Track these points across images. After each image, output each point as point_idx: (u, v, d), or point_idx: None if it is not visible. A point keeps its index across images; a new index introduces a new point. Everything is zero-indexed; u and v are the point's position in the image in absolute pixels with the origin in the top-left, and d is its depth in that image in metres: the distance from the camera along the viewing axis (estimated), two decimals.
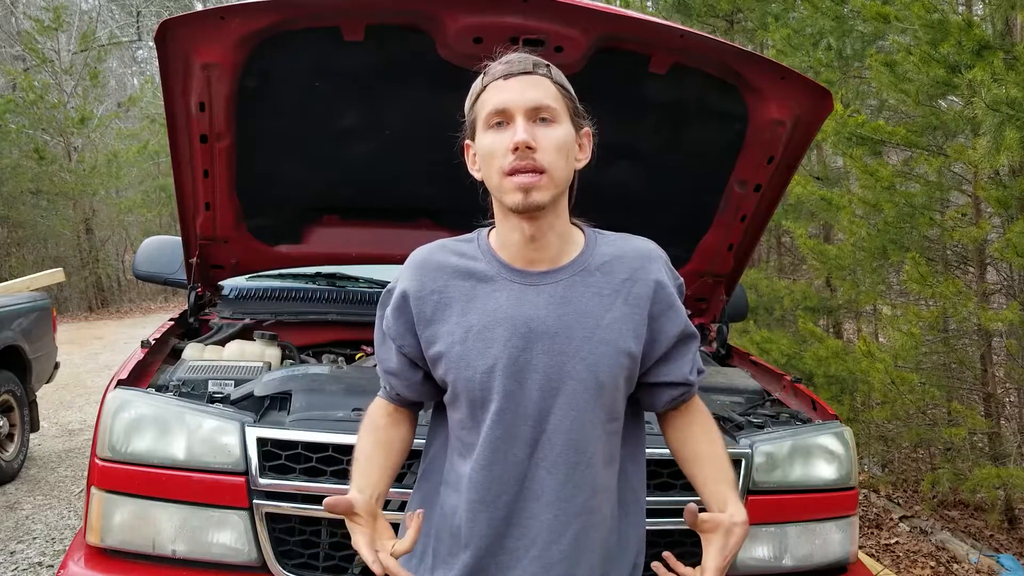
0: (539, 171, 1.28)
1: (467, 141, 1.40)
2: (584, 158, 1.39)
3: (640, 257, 1.41)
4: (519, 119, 1.29)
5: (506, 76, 1.32)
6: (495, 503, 1.34)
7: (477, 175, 1.38)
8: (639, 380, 1.43)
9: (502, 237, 1.39)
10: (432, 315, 1.38)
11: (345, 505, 1.27)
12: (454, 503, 1.39)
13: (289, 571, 1.90)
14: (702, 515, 1.32)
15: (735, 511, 1.35)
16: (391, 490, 1.87)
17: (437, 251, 1.43)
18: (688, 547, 2.02)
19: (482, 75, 1.37)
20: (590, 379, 1.33)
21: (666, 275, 1.42)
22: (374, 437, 1.45)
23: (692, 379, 1.45)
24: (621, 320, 1.35)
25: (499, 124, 1.31)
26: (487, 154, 1.32)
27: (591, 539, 1.36)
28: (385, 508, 1.87)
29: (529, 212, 1.31)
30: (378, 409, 1.50)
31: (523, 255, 1.37)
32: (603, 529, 1.39)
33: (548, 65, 1.36)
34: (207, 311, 2.96)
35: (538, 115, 1.30)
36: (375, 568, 1.25)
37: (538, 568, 1.34)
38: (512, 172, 1.28)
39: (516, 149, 1.27)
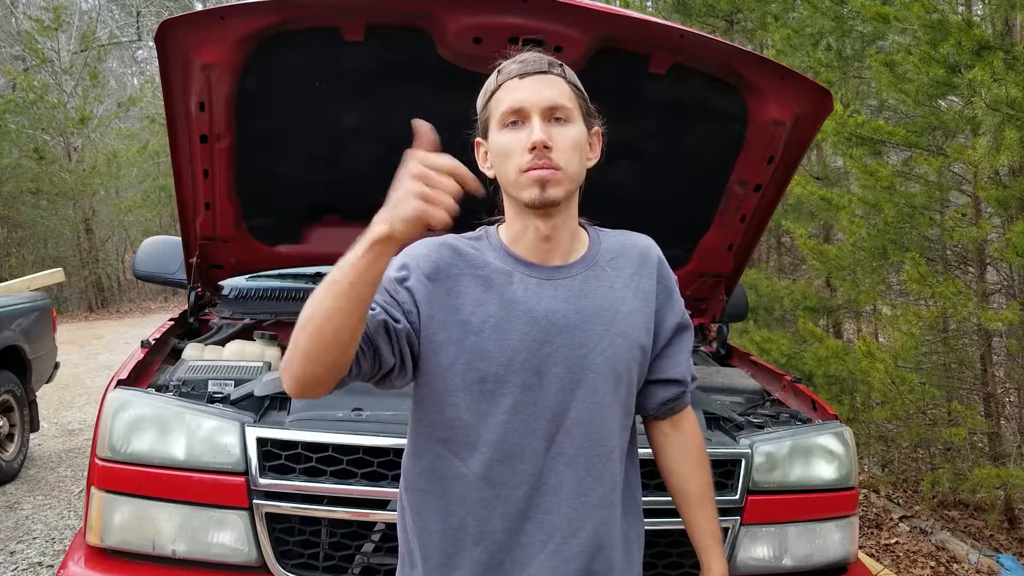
0: (556, 168, 1.29)
1: (478, 139, 1.40)
2: (595, 157, 1.40)
3: (642, 252, 1.44)
4: (535, 118, 1.29)
5: (521, 75, 1.32)
6: (510, 497, 1.32)
7: (489, 173, 1.38)
8: None
9: (514, 233, 1.38)
10: (445, 299, 1.32)
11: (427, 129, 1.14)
12: (457, 503, 1.36)
13: (289, 571, 1.89)
14: None
15: (720, 571, 1.52)
16: (389, 490, 1.87)
17: (446, 244, 1.39)
18: (687, 546, 2.02)
19: (496, 73, 1.36)
20: (609, 372, 1.33)
21: (667, 268, 1.46)
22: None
23: (687, 379, 1.47)
24: (634, 313, 1.38)
25: (514, 123, 1.31)
26: (502, 152, 1.32)
27: (609, 533, 1.36)
28: (385, 508, 1.88)
29: (545, 207, 1.31)
30: None
31: (536, 252, 1.36)
32: (618, 524, 1.39)
33: (562, 65, 1.36)
34: (207, 311, 2.96)
35: (553, 114, 1.30)
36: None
37: (557, 563, 1.33)
38: (529, 171, 1.29)
39: (534, 148, 1.27)
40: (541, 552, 1.33)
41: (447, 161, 1.09)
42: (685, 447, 1.50)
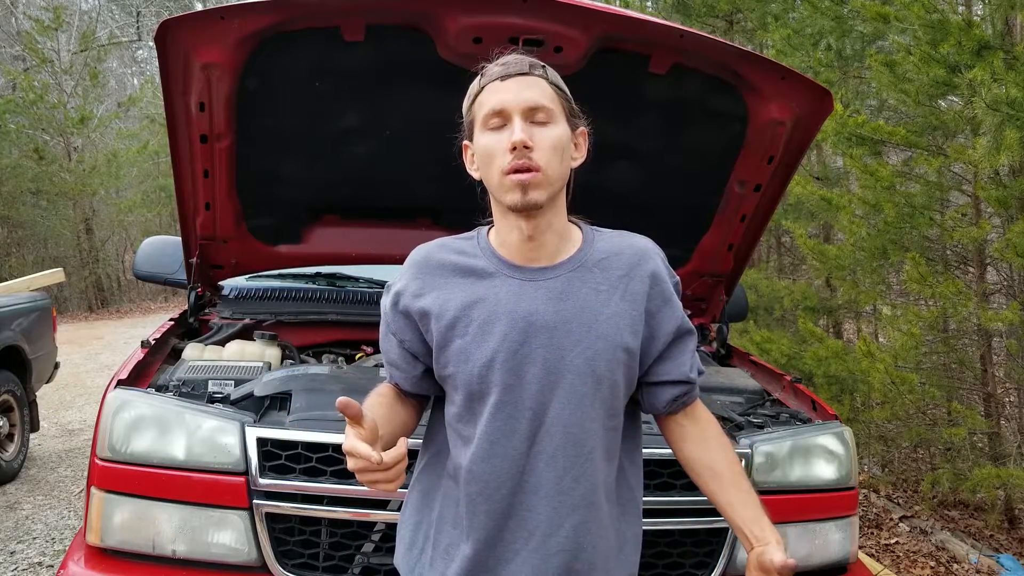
0: (536, 169, 1.30)
1: (465, 142, 1.43)
2: (580, 157, 1.41)
3: (637, 254, 1.43)
4: (516, 119, 1.31)
5: (503, 77, 1.34)
6: (494, 496, 1.35)
7: (476, 175, 1.41)
8: (641, 380, 1.44)
9: (501, 235, 1.41)
10: (432, 311, 1.39)
11: (356, 409, 1.17)
12: (456, 496, 1.40)
13: (289, 571, 1.90)
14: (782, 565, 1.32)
15: (777, 539, 1.36)
16: None
17: (437, 249, 1.45)
18: (688, 547, 2.02)
19: (479, 77, 1.39)
20: (588, 373, 1.34)
21: (663, 272, 1.44)
22: (377, 399, 1.42)
23: (693, 377, 1.46)
24: (618, 315, 1.38)
25: (497, 125, 1.33)
26: (486, 154, 1.34)
27: (590, 533, 1.37)
28: (385, 508, 1.88)
29: (527, 210, 1.33)
30: (384, 386, 1.50)
31: (522, 253, 1.39)
32: (602, 524, 1.40)
33: (544, 66, 1.38)
34: (207, 311, 2.96)
35: (534, 115, 1.32)
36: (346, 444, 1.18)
37: (537, 560, 1.35)
38: (510, 171, 1.31)
39: (514, 148, 1.30)
40: (523, 549, 1.35)
41: (348, 447, 1.17)
42: (704, 431, 1.49)
